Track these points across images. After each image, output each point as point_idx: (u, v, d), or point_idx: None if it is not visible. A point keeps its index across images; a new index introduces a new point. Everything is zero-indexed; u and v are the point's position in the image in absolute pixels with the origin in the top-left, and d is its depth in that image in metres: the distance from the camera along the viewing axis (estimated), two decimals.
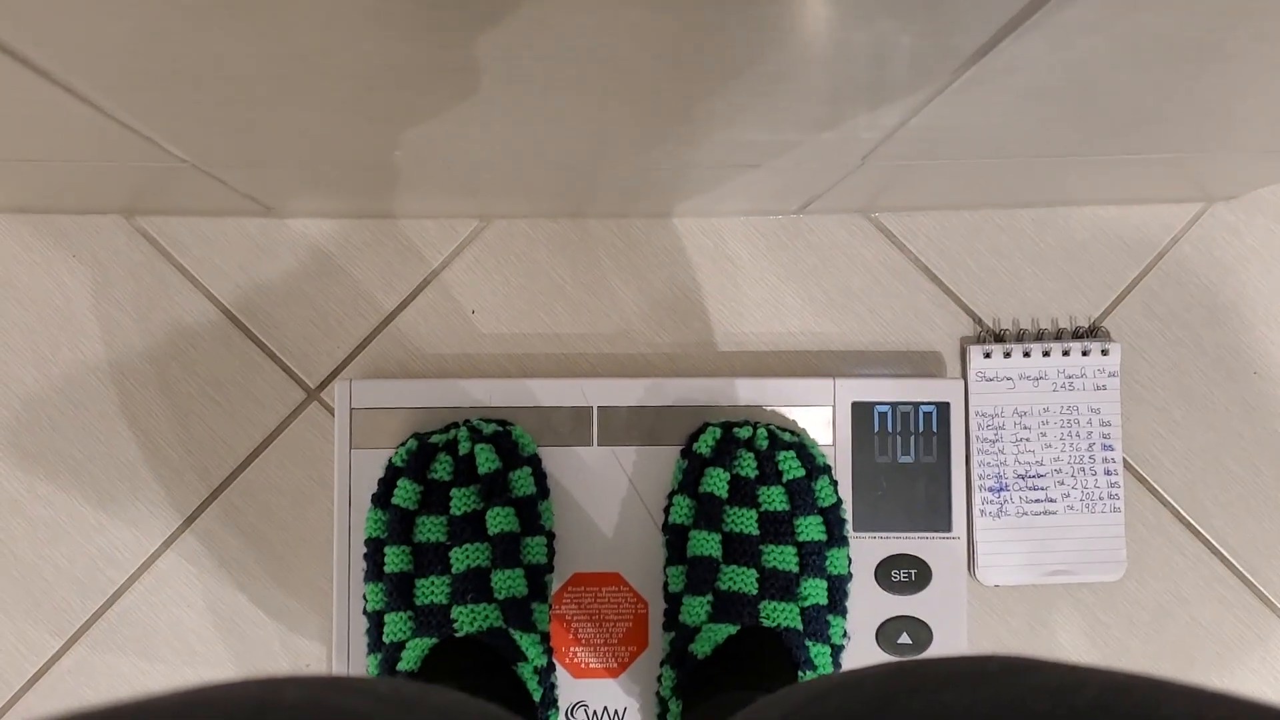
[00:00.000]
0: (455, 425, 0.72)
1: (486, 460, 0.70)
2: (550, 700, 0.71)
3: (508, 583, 0.68)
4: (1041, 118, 0.55)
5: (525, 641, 0.67)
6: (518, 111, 0.51)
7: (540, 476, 0.73)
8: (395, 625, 0.69)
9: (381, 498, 0.71)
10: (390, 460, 0.72)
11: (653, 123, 0.54)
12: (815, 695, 0.37)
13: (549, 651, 0.71)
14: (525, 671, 0.67)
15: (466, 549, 0.69)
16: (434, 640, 0.67)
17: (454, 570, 0.68)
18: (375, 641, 0.70)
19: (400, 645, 0.68)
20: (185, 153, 0.59)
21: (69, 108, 0.49)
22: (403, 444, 0.72)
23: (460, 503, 0.70)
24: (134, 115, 0.52)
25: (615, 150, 0.59)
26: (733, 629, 0.68)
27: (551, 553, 0.73)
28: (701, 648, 0.68)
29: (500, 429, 0.72)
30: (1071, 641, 0.78)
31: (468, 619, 0.67)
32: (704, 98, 0.49)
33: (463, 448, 0.70)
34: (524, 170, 0.64)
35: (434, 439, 0.72)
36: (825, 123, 0.54)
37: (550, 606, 0.73)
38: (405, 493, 0.70)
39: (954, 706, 0.33)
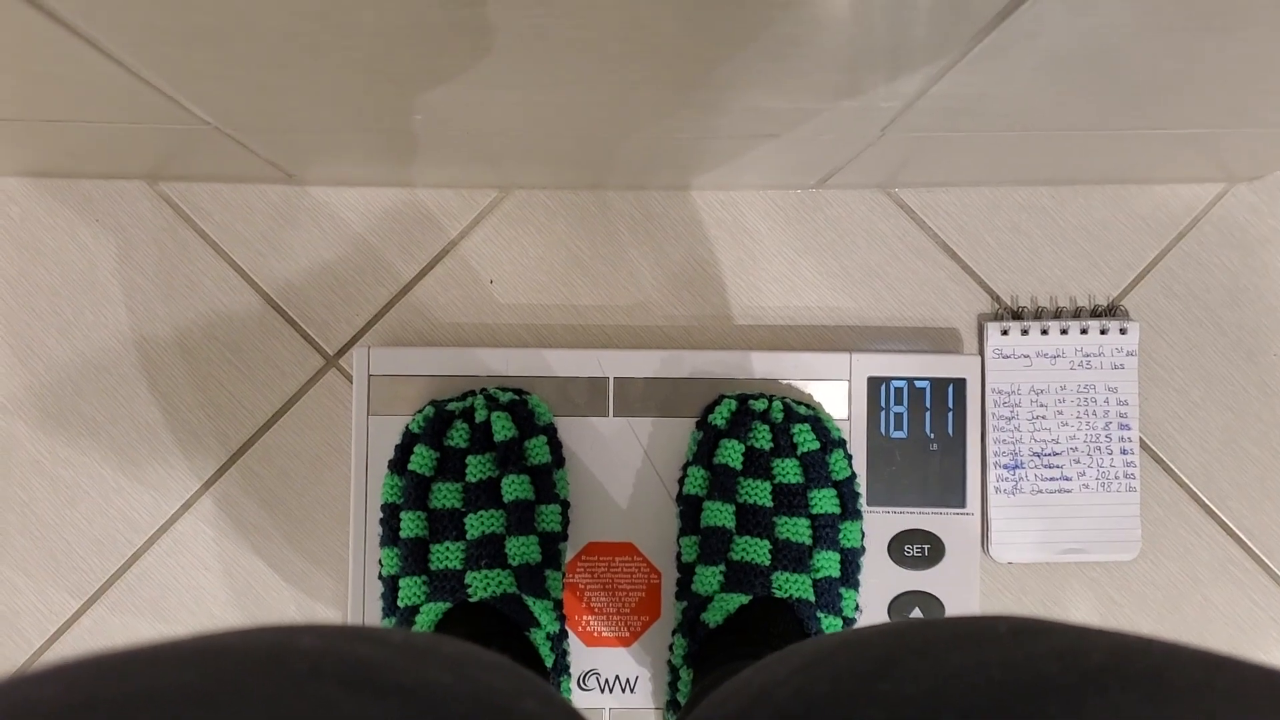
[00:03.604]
0: (472, 393, 0.73)
1: (503, 428, 0.70)
2: (562, 666, 0.72)
3: (522, 549, 0.69)
4: (1062, 88, 0.55)
5: (538, 607, 0.68)
6: (537, 74, 0.51)
7: (556, 445, 0.73)
8: (410, 590, 0.69)
9: (398, 464, 0.72)
10: (407, 427, 0.72)
11: (671, 88, 0.54)
12: (822, 653, 0.37)
13: (562, 618, 0.71)
14: (538, 637, 0.67)
15: (481, 515, 0.69)
16: (448, 605, 0.67)
17: (469, 536, 0.69)
18: (390, 606, 0.71)
19: (414, 609, 0.69)
20: (208, 114, 0.59)
21: (94, 65, 0.50)
22: (420, 411, 0.72)
23: (476, 470, 0.70)
24: (157, 73, 0.52)
25: (634, 117, 0.59)
26: (745, 599, 0.68)
27: (566, 521, 0.73)
28: (713, 617, 0.68)
29: (517, 398, 0.72)
30: (1084, 620, 0.78)
31: (481, 584, 0.67)
32: (722, 62, 0.49)
33: (479, 415, 0.71)
34: (543, 138, 0.65)
35: (451, 406, 0.72)
36: (843, 91, 0.54)
37: (564, 574, 0.74)
38: (421, 459, 0.70)
39: (961, 667, 0.33)
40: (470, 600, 0.67)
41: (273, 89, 0.55)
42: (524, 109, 0.57)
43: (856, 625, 0.73)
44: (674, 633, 0.72)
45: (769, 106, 0.57)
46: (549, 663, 0.68)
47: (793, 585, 0.69)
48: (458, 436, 0.71)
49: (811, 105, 0.56)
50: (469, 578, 0.68)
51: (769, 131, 0.62)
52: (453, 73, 0.51)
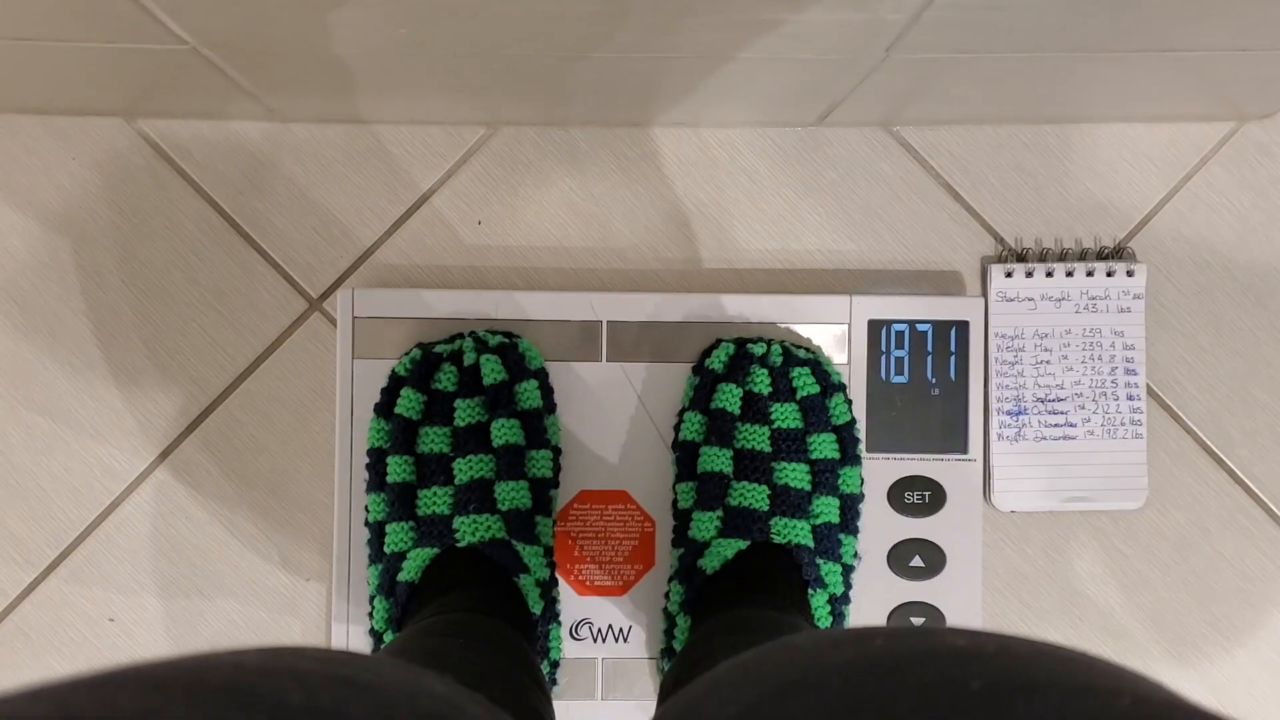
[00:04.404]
0: (460, 336, 0.71)
1: (492, 371, 0.68)
2: (552, 614, 0.70)
3: (511, 494, 0.67)
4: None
5: (527, 553, 0.66)
6: None
7: (547, 390, 0.71)
8: (396, 535, 0.67)
9: (384, 407, 0.70)
10: (393, 369, 0.70)
11: None
12: (775, 691, 0.34)
13: (552, 565, 0.69)
14: (526, 583, 0.65)
15: (470, 460, 0.67)
16: (435, 550, 0.65)
17: (457, 481, 0.67)
18: (376, 552, 0.69)
19: (401, 555, 0.67)
20: (183, 28, 0.57)
21: None
22: (407, 353, 0.70)
23: (464, 414, 0.68)
24: None
25: (625, 27, 0.57)
26: (742, 544, 0.66)
27: (557, 468, 0.71)
28: (710, 563, 0.66)
29: (506, 341, 0.70)
30: (1089, 571, 0.76)
31: (469, 529, 0.65)
32: None
33: (468, 358, 0.69)
34: (531, 57, 0.62)
35: (439, 349, 0.70)
36: None
37: (554, 521, 0.72)
38: (408, 402, 0.68)
39: None
40: (458, 545, 0.65)
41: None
42: (507, 16, 0.55)
43: (855, 571, 0.71)
44: (670, 580, 0.70)
45: (770, 18, 0.54)
46: (537, 610, 0.66)
47: (791, 531, 0.67)
48: (445, 380, 0.69)
49: (816, 14, 0.54)
50: (457, 522, 0.66)
51: (773, 48, 0.60)
52: None
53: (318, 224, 0.76)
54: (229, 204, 0.76)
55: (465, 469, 0.67)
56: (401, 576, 0.66)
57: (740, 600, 0.65)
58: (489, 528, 0.65)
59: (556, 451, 0.71)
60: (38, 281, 0.76)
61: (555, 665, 0.71)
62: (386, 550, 0.68)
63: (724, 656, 0.57)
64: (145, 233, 0.76)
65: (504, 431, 0.68)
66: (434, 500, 0.67)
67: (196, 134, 0.76)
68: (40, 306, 0.76)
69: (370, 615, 0.68)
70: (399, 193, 0.77)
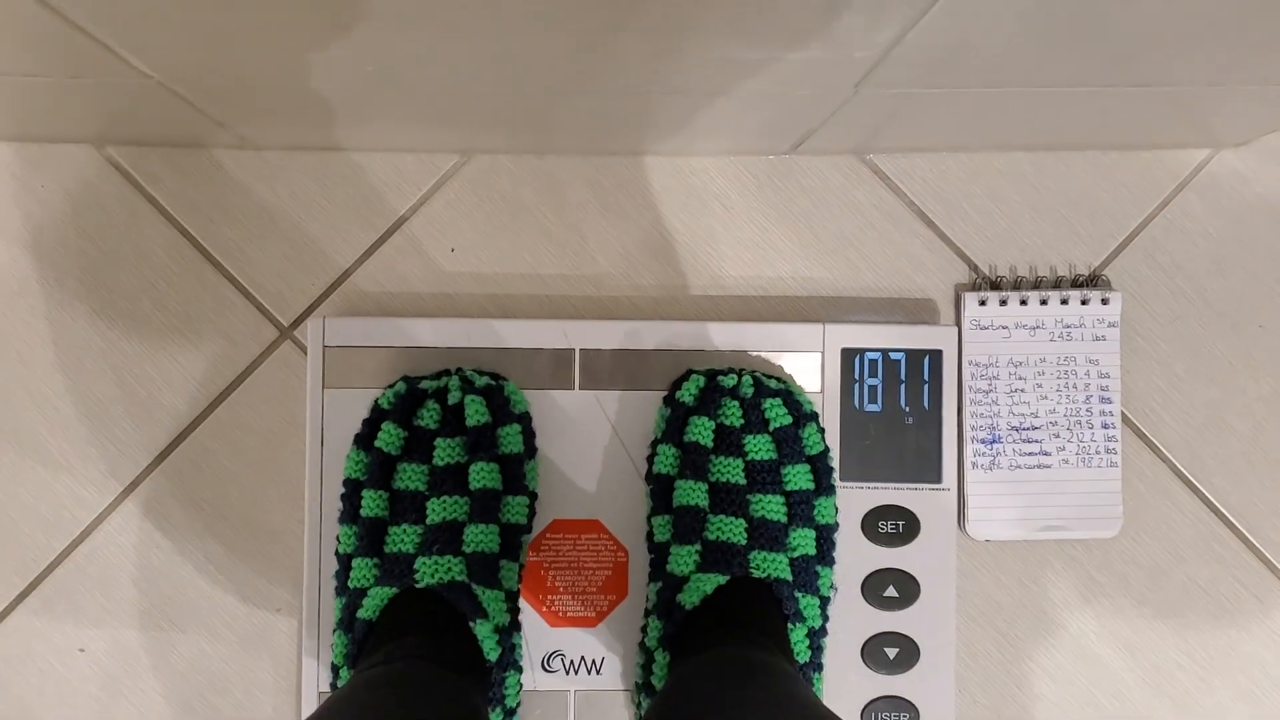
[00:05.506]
0: (447, 373, 0.70)
1: (476, 413, 0.67)
2: (509, 661, 0.67)
3: (479, 538, 0.66)
4: (1046, 38, 0.52)
5: (487, 597, 0.64)
6: (489, 16, 0.49)
7: (529, 435, 0.71)
8: (360, 571, 0.67)
9: (364, 439, 0.69)
10: (376, 402, 0.70)
11: (634, 34, 0.51)
12: None
13: (514, 611, 0.68)
14: (482, 630, 0.63)
15: (445, 501, 0.66)
16: (394, 590, 0.64)
17: (429, 520, 0.66)
18: (342, 585, 0.68)
19: (362, 592, 0.66)
20: (148, 66, 0.56)
21: (26, 10, 0.47)
22: (391, 386, 0.70)
23: (444, 453, 0.67)
24: (91, 19, 0.49)
25: (595, 68, 0.56)
26: (722, 579, 0.65)
27: (532, 514, 0.70)
28: (690, 598, 0.65)
29: (493, 383, 0.70)
30: (1064, 600, 0.76)
31: (429, 570, 0.64)
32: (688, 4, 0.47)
33: (452, 397, 0.68)
34: (500, 93, 0.62)
35: (424, 385, 0.69)
36: (815, 36, 0.51)
37: (522, 567, 0.70)
38: (389, 437, 0.68)
39: None
40: (417, 586, 0.64)
41: (215, 34, 0.52)
42: (478, 58, 0.55)
43: (831, 603, 0.70)
44: (647, 614, 0.69)
45: (739, 57, 0.54)
46: (493, 657, 0.63)
47: (770, 564, 0.66)
48: (428, 417, 0.68)
49: (782, 53, 0.53)
50: (418, 563, 0.65)
51: (741, 86, 0.60)
52: (398, 15, 0.48)
53: (289, 251, 0.76)
54: (199, 231, 0.76)
55: (438, 509, 0.66)
56: (361, 614, 0.64)
57: (720, 639, 0.64)
58: (449, 569, 0.64)
59: (533, 497, 0.70)
60: (5, 309, 0.75)
61: (510, 713, 0.69)
62: (350, 585, 0.67)
63: (703, 706, 0.56)
64: (115, 260, 0.75)
65: (482, 475, 0.67)
66: (401, 538, 0.66)
67: (167, 160, 0.76)
68: (8, 334, 0.75)
69: (333, 647, 0.68)
70: (372, 220, 0.76)
